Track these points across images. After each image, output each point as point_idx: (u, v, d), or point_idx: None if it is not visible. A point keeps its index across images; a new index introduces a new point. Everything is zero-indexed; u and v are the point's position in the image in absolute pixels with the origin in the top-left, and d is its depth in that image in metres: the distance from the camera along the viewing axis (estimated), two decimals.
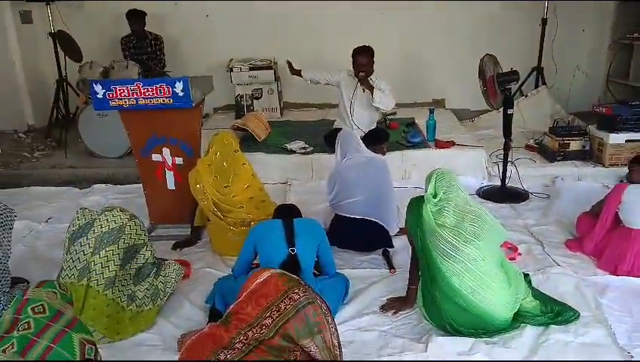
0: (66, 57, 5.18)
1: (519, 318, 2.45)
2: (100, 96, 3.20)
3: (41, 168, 4.80)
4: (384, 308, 2.60)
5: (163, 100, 3.18)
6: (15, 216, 2.62)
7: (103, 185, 4.48)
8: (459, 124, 5.46)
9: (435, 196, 2.42)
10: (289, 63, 4.77)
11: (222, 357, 1.44)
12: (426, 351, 2.27)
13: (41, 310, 1.68)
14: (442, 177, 2.45)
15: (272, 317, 1.47)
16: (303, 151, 4.49)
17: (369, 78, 4.26)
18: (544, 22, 5.61)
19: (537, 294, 2.58)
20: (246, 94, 5.71)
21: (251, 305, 1.50)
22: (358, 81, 4.28)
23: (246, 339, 1.45)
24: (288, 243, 2.48)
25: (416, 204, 2.47)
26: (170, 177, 3.51)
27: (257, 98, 5.72)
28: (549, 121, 5.38)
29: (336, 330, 1.59)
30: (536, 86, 5.76)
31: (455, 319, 2.37)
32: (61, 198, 4.25)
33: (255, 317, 1.48)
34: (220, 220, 3.13)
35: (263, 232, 2.59)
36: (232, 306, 1.53)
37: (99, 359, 1.74)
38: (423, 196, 2.49)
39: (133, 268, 2.58)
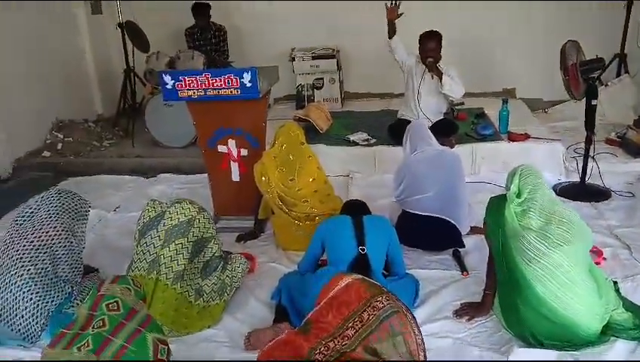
0: (134, 48, 5.27)
1: (609, 331, 2.24)
2: (169, 86, 3.20)
3: (109, 157, 4.95)
4: (458, 314, 2.46)
5: (231, 91, 3.15)
6: (90, 207, 2.66)
7: (169, 174, 4.53)
8: (531, 114, 5.14)
9: (519, 195, 2.24)
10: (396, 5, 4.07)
11: None
12: None
13: (116, 307, 1.67)
14: (528, 174, 2.27)
15: (354, 328, 1.38)
16: (366, 142, 4.36)
17: (437, 65, 4.07)
18: (630, 3, 5.16)
19: (629, 305, 2.36)
20: (307, 84, 5.63)
21: (332, 313, 1.41)
22: (425, 67, 4.09)
23: (327, 350, 1.37)
24: (358, 241, 2.39)
25: (498, 203, 2.30)
26: (235, 169, 3.49)
27: (318, 88, 5.63)
28: (632, 112, 4.99)
29: (423, 342, 1.48)
30: (618, 74, 5.32)
31: (538, 329, 2.19)
32: (129, 187, 4.34)
33: (336, 326, 1.39)
34: (285, 214, 3.07)
35: (331, 229, 2.51)
36: (311, 314, 1.45)
37: (170, 359, 1.72)
38: (504, 195, 2.32)
39: (200, 262, 2.57)
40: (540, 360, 2.12)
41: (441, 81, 4.05)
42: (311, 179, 3.17)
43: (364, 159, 4.26)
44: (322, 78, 5.59)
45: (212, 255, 2.61)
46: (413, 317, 1.44)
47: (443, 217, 2.97)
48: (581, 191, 3.77)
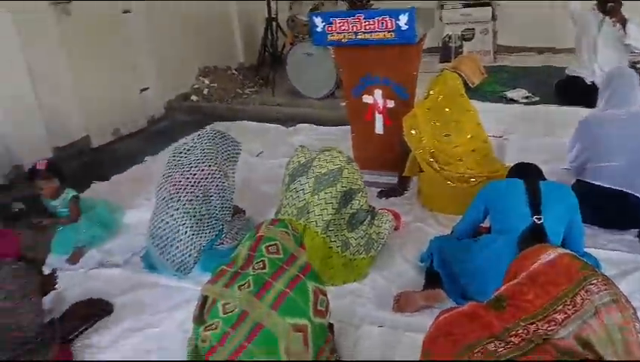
0: None
1: None
2: (319, 29, 3.04)
3: (252, 104, 5.01)
4: None
5: (384, 35, 2.90)
6: (240, 149, 2.64)
7: (307, 125, 4.48)
8: None
9: None
10: None
11: (491, 348, 1.15)
12: None
13: (275, 250, 1.57)
14: None
15: (565, 312, 1.11)
16: (527, 100, 3.88)
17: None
18: None
19: None
20: (455, 35, 5.18)
21: (535, 291, 1.15)
22: (605, 13, 3.46)
23: (526, 334, 1.12)
24: (533, 210, 2.05)
25: None
26: (379, 121, 3.27)
27: (468, 39, 5.16)
28: None
29: None
30: None
31: None
32: (269, 134, 4.37)
33: (541, 308, 1.14)
34: (436, 172, 2.81)
35: (500, 193, 2.18)
36: (504, 288, 1.21)
37: (329, 311, 1.60)
38: None
39: (347, 214, 2.42)
40: None
41: (624, 30, 3.41)
42: (469, 136, 2.85)
43: (524, 119, 3.79)
44: (473, 29, 5.10)
45: (359, 207, 2.46)
46: (635, 311, 1.13)
47: (633, 193, 2.49)
48: None
